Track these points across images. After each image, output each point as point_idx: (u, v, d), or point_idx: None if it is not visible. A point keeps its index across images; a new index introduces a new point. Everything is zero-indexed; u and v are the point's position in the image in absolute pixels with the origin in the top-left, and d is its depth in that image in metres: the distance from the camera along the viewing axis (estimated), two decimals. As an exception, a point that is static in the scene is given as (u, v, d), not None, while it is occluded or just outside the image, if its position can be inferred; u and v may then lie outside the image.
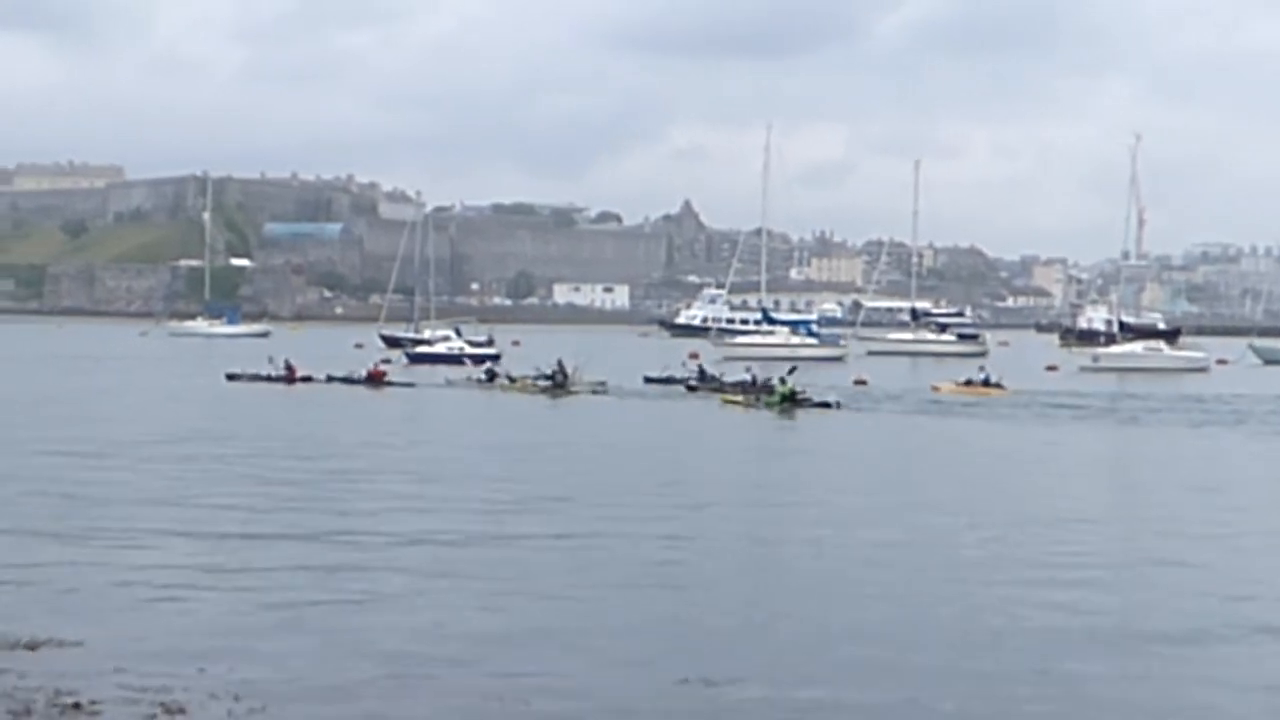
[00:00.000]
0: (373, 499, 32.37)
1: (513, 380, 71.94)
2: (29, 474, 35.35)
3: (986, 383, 72.76)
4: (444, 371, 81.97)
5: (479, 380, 73.98)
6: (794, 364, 68.40)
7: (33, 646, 17.84)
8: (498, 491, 33.85)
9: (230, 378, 74.40)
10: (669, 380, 74.59)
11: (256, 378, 74.05)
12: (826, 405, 60.99)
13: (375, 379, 73.55)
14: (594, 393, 68.57)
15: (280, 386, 71.65)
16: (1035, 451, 47.42)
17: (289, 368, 73.97)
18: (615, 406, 64.02)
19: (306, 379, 73.49)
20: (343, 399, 65.54)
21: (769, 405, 61.00)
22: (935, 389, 74.57)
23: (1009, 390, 71.90)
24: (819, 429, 54.03)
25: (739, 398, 64.02)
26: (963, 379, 75.41)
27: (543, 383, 69.78)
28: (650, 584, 23.10)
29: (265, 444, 44.24)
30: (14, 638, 18.14)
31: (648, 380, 75.50)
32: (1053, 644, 19.23)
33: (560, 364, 71.00)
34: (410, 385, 73.25)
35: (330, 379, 73.43)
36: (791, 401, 60.50)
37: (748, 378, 67.05)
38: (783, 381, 62.27)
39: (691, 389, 70.38)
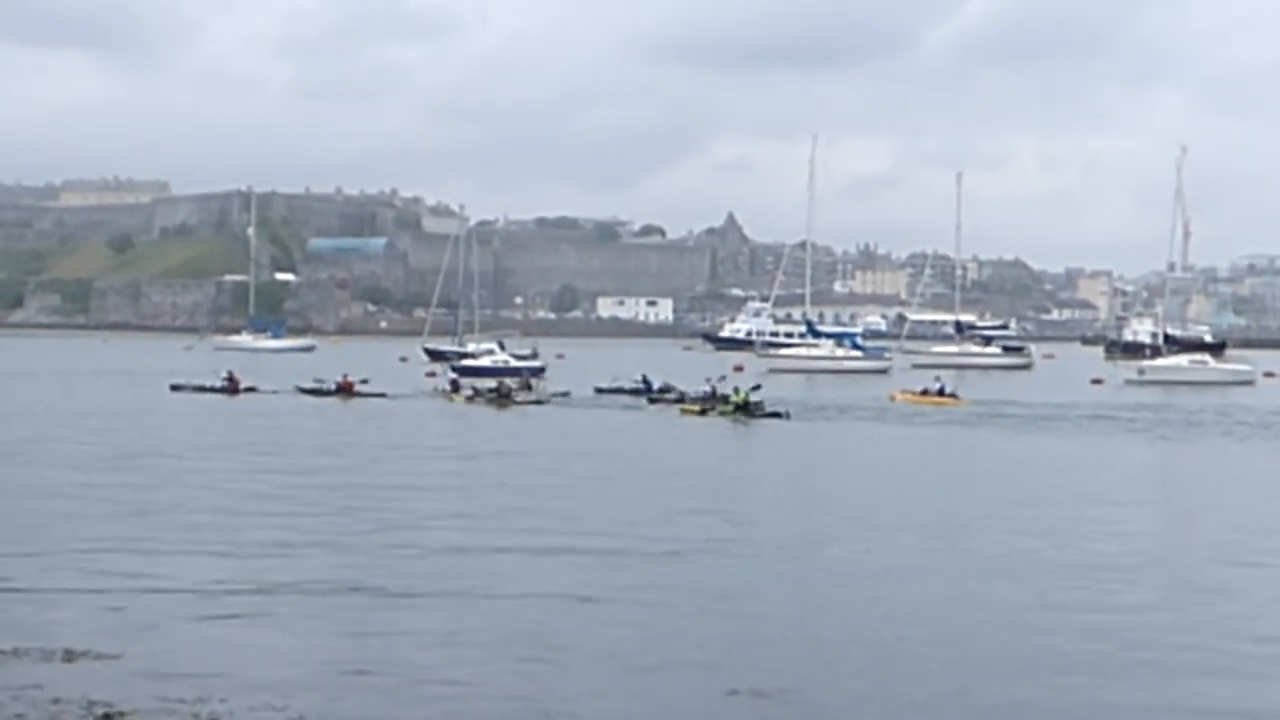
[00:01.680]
0: (413, 512, 32.34)
1: (459, 390, 74.81)
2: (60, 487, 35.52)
3: (941, 393, 75.34)
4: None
5: (444, 390, 75.68)
6: (759, 384, 69.56)
7: (70, 658, 17.84)
8: (511, 504, 33.84)
9: (174, 388, 76.28)
10: (618, 390, 77.90)
11: (200, 388, 75.87)
12: (777, 415, 62.89)
13: (346, 390, 74.42)
14: (538, 403, 71.33)
15: (223, 397, 73.35)
16: (1064, 460, 47.27)
17: (231, 378, 76.10)
18: (584, 415, 65.57)
19: (250, 389, 75.66)
20: (297, 410, 66.28)
21: (724, 414, 63.09)
22: (892, 398, 77.00)
23: (964, 401, 74.39)
24: (818, 438, 54.61)
25: (696, 407, 65.68)
26: (920, 389, 77.92)
27: (490, 394, 72.08)
28: (695, 596, 22.96)
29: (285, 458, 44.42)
30: (52, 649, 18.15)
31: (598, 390, 78.57)
32: (1104, 660, 19.03)
33: (524, 376, 77.34)
34: (382, 395, 73.66)
35: (299, 390, 75.31)
36: (745, 411, 62.61)
37: (708, 389, 68.33)
38: (736, 391, 64.86)
39: (652, 400, 72.03)
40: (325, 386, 74.88)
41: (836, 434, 58.19)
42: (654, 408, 69.25)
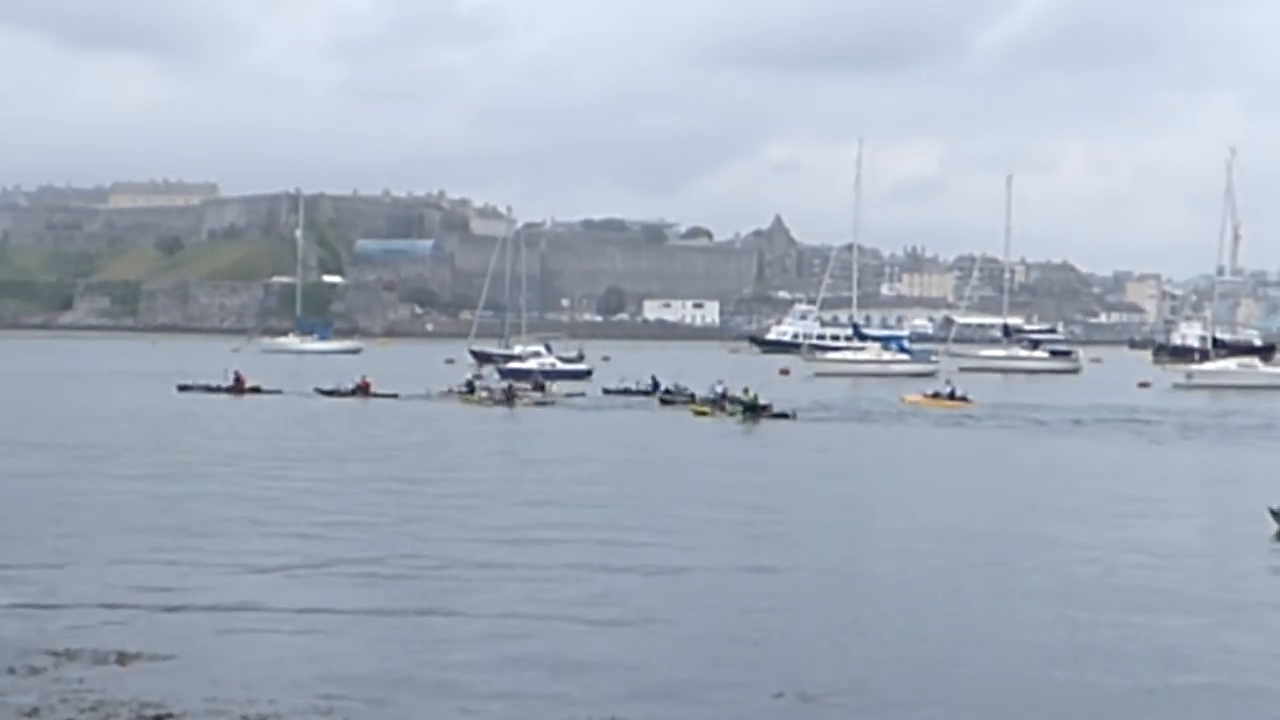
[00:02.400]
0: (463, 526, 32.45)
1: (475, 391, 75.55)
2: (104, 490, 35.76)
3: (952, 395, 76.27)
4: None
5: (461, 391, 76.18)
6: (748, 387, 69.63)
7: (124, 661, 18.00)
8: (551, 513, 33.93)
9: (182, 389, 77.11)
10: (625, 391, 79.84)
11: (207, 388, 76.79)
12: (784, 416, 63.87)
13: (363, 390, 75.68)
14: (544, 404, 72.66)
15: (229, 397, 74.65)
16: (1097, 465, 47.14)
17: (237, 378, 77.16)
18: (597, 417, 66.73)
19: (255, 389, 76.87)
20: (319, 411, 67.03)
21: (732, 415, 64.24)
22: (903, 400, 77.81)
23: (974, 403, 74.96)
24: (859, 441, 54.50)
25: (707, 409, 66.71)
26: (930, 391, 79.28)
27: (498, 395, 73.32)
28: (740, 599, 23.01)
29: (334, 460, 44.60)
30: (106, 652, 18.31)
31: (606, 391, 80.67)
32: (1155, 666, 19.02)
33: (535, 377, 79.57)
34: (394, 396, 74.70)
35: (318, 391, 76.42)
36: (753, 411, 63.81)
37: (719, 390, 68.98)
38: (745, 392, 65.88)
39: (664, 401, 73.40)
40: (343, 388, 76.04)
41: (869, 436, 58.23)
42: (665, 409, 70.26)
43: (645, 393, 77.94)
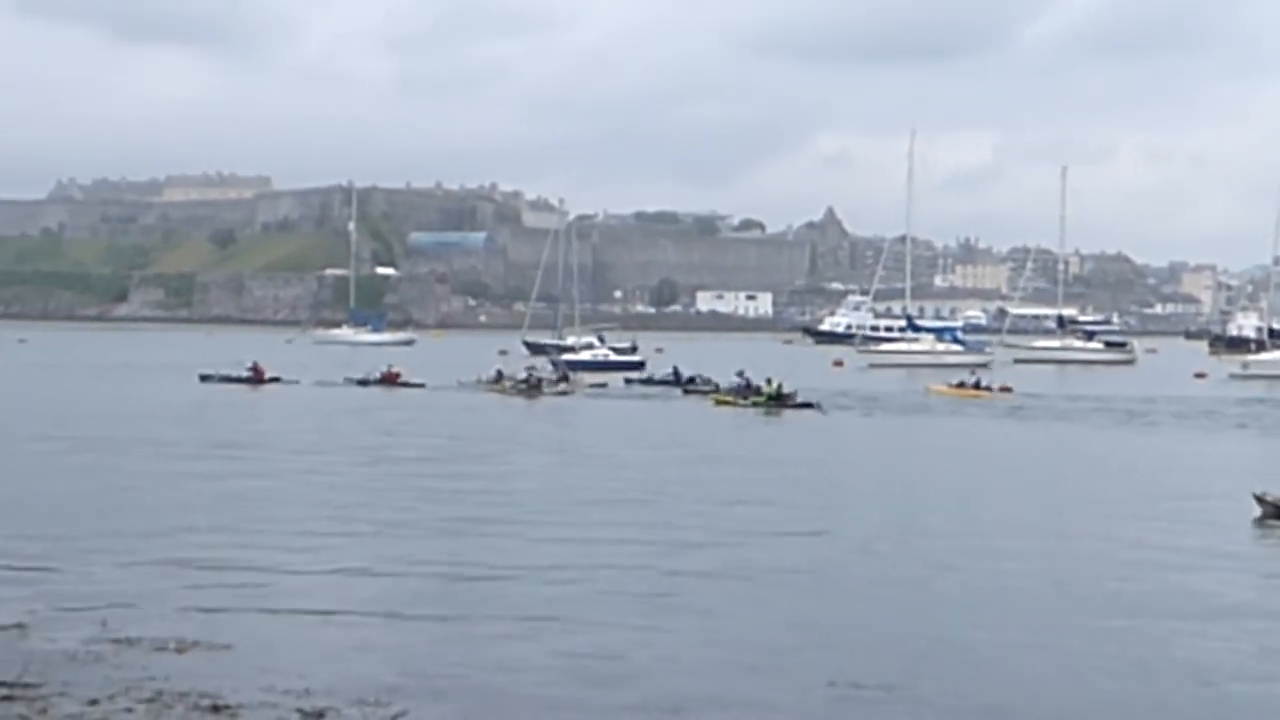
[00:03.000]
0: (518, 510, 32.50)
1: (503, 380, 75.83)
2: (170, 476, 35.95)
3: (978, 385, 76.62)
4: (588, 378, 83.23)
5: (489, 381, 76.48)
6: (774, 378, 69.32)
7: (181, 649, 18.11)
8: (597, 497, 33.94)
9: (203, 379, 77.60)
10: (648, 381, 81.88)
11: (227, 379, 77.09)
12: (809, 406, 63.37)
13: (390, 380, 77.05)
14: (564, 394, 73.17)
15: (248, 387, 75.44)
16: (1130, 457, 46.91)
17: (256, 368, 77.66)
18: (622, 406, 67.85)
19: (275, 379, 77.36)
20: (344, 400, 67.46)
21: (756, 405, 63.98)
22: (929, 390, 78.44)
23: (998, 393, 75.49)
24: (911, 430, 54.28)
25: (729, 398, 66.86)
26: (956, 381, 79.38)
27: (520, 384, 73.58)
28: (793, 588, 23.00)
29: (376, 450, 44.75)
30: (164, 640, 18.42)
31: (628, 382, 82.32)
32: (1206, 665, 18.93)
33: (560, 366, 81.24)
34: (421, 386, 75.87)
35: (349, 381, 77.80)
36: (778, 401, 63.58)
37: (741, 381, 69.09)
38: (769, 382, 65.52)
39: (687, 391, 74.21)
40: (371, 377, 77.43)
41: (914, 428, 58.15)
42: (689, 399, 70.87)
43: (667, 383, 78.77)
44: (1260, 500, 31.57)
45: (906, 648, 19.16)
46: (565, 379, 77.81)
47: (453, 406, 65.35)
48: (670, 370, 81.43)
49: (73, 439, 46.21)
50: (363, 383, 76.73)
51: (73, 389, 73.51)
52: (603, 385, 78.38)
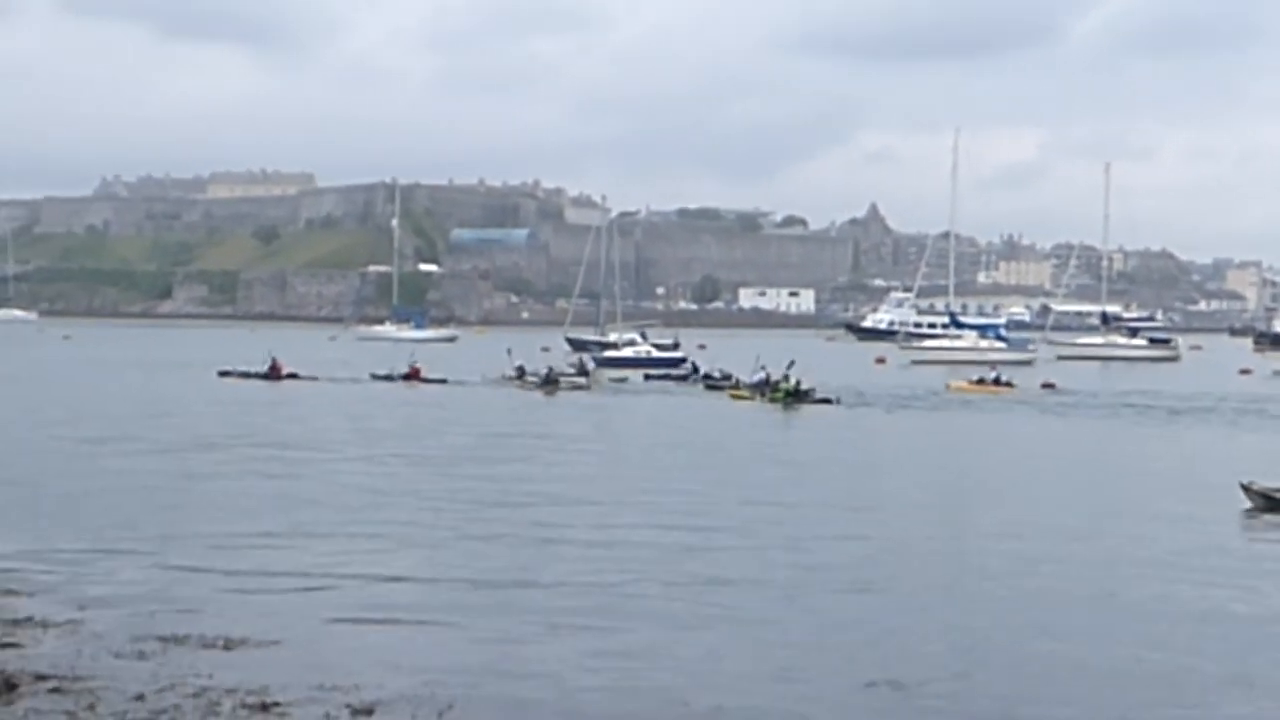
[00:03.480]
0: (557, 503, 32.57)
1: (525, 376, 76.56)
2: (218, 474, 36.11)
3: (997, 381, 77.15)
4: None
5: (512, 377, 77.09)
6: (792, 360, 69.92)
7: (229, 646, 18.19)
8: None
9: (222, 374, 78.75)
10: (664, 377, 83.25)
11: (245, 374, 78.03)
12: (827, 401, 63.88)
13: (413, 376, 78.29)
14: (579, 389, 73.98)
15: (266, 383, 75.98)
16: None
17: (274, 364, 78.30)
18: (642, 401, 68.83)
19: (292, 375, 78.03)
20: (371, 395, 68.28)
21: (774, 400, 64.18)
22: (949, 387, 78.41)
23: (1017, 388, 75.87)
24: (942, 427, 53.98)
25: (747, 394, 67.47)
26: (975, 378, 79.89)
27: (536, 380, 74.77)
28: (832, 586, 22.98)
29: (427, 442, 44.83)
30: (212, 637, 18.51)
31: (647, 378, 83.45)
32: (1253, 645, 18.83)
33: (580, 361, 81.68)
34: (442, 381, 76.73)
35: (373, 376, 79.05)
36: (795, 397, 63.58)
37: (762, 375, 69.50)
38: (786, 378, 65.66)
39: (709, 386, 75.17)
40: (394, 373, 78.63)
41: (952, 423, 58.08)
42: (707, 395, 71.73)
43: (683, 378, 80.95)
44: (1247, 490, 32.17)
45: (945, 648, 19.14)
46: (584, 374, 78.53)
47: (473, 403, 65.87)
48: (689, 366, 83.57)
49: (116, 436, 46.44)
50: (386, 378, 77.86)
51: (115, 385, 73.86)
52: (622, 380, 79.66)
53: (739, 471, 39.53)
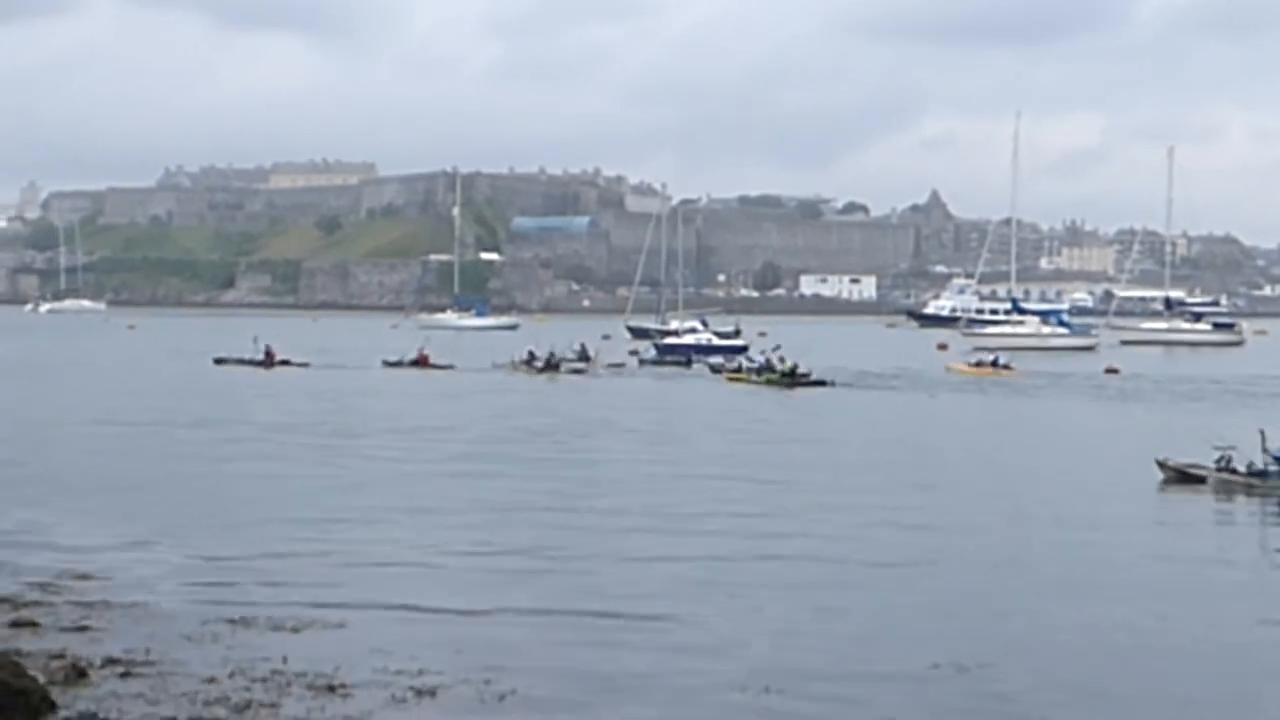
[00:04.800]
0: (621, 490, 32.74)
1: (534, 362, 77.63)
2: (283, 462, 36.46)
3: (995, 364, 78.20)
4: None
5: (523, 363, 78.13)
6: (778, 344, 73.22)
7: (297, 629, 18.50)
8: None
9: (218, 361, 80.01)
10: (661, 362, 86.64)
11: (241, 362, 79.23)
12: (823, 383, 65.49)
13: (422, 363, 79.78)
14: (578, 373, 76.20)
15: (260, 370, 77.21)
16: None
17: (268, 352, 79.52)
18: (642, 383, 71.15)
19: (285, 362, 79.16)
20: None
21: (770, 383, 65.84)
22: (948, 369, 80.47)
23: (1017, 372, 76.23)
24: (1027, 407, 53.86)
25: (742, 375, 69.66)
26: (974, 360, 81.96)
27: (537, 365, 76.65)
28: (897, 568, 23.12)
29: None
30: (280, 620, 18.82)
31: (642, 363, 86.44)
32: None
33: (583, 347, 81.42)
34: (450, 367, 78.29)
35: (385, 363, 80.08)
36: (791, 379, 65.43)
37: (763, 359, 71.39)
38: (782, 360, 67.67)
39: (715, 369, 77.03)
40: (405, 359, 79.89)
41: (992, 405, 57.91)
42: (703, 377, 74.69)
43: (680, 363, 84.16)
44: (1162, 466, 33.91)
45: (1011, 629, 19.30)
46: (585, 359, 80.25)
47: (478, 388, 66.80)
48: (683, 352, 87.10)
49: (186, 423, 46.86)
50: (396, 364, 79.24)
51: (187, 374, 74.51)
52: (620, 365, 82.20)
53: (778, 454, 39.71)
